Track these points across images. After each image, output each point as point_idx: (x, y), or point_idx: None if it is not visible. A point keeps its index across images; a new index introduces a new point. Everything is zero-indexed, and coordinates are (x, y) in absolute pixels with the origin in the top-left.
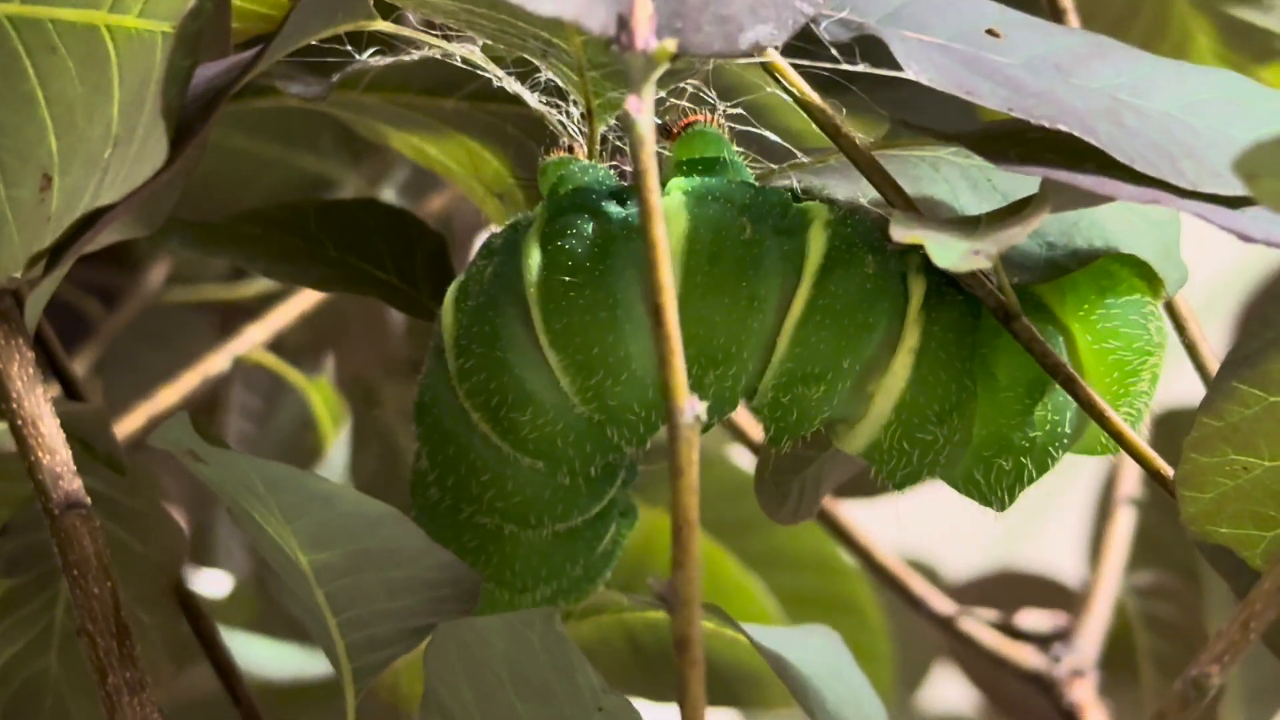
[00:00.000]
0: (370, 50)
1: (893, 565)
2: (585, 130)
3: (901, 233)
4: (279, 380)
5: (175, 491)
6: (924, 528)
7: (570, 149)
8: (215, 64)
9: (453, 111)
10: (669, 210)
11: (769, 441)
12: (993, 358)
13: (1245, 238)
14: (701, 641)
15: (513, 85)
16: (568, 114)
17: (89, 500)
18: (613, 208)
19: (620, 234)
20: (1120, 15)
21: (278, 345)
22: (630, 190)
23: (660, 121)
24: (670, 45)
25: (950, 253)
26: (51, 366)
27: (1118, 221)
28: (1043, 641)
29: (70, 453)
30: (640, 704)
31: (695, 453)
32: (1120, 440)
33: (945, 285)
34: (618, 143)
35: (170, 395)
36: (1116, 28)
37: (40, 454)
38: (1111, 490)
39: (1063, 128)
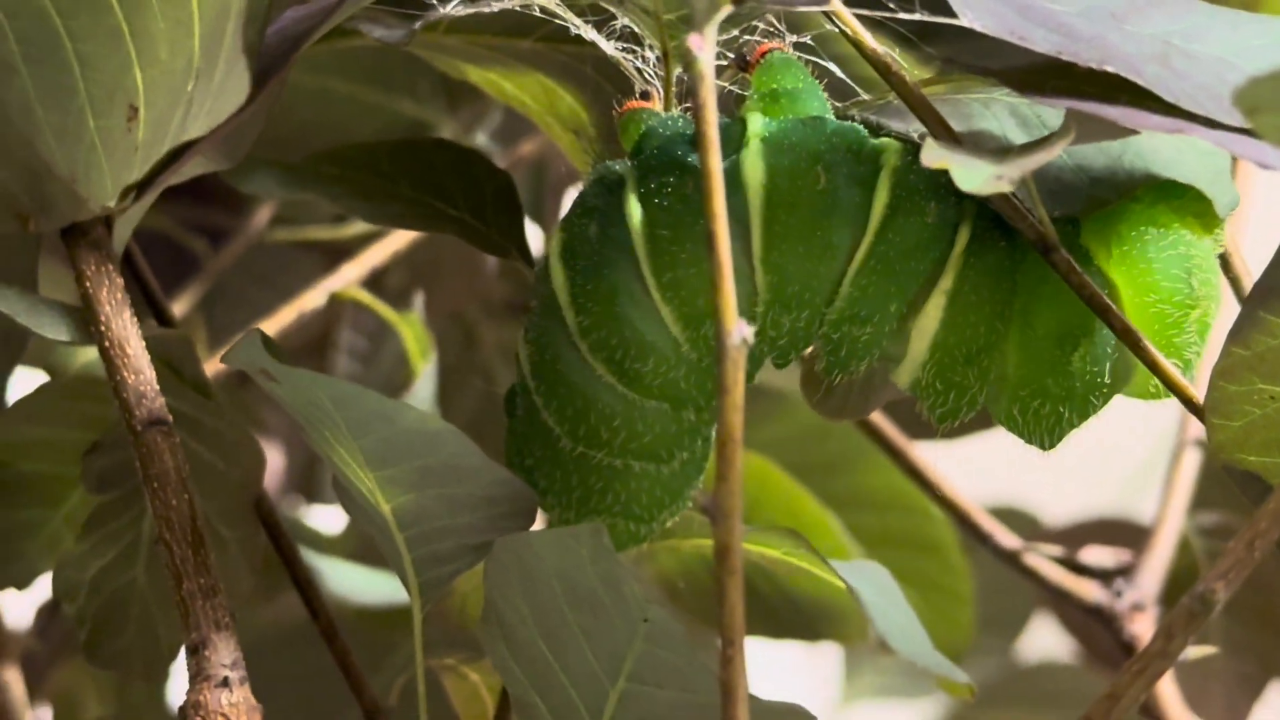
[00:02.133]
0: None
1: (961, 502)
2: (661, 74)
3: (932, 157)
4: (382, 321)
5: (281, 428)
6: (1027, 474)
7: (645, 95)
8: (303, 6)
9: (529, 51)
10: (747, 160)
11: (822, 371)
12: (1031, 305)
13: (1265, 165)
14: (740, 552)
15: (589, 32)
16: (643, 58)
17: (170, 418)
18: (693, 158)
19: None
20: None
21: (375, 284)
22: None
23: (737, 53)
24: None
25: (975, 176)
26: (145, 296)
27: (1165, 151)
28: (1107, 577)
29: (154, 373)
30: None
31: (741, 373)
32: (1156, 371)
33: (989, 230)
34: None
35: (267, 330)
36: None
37: (126, 374)
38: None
39: (1110, 69)
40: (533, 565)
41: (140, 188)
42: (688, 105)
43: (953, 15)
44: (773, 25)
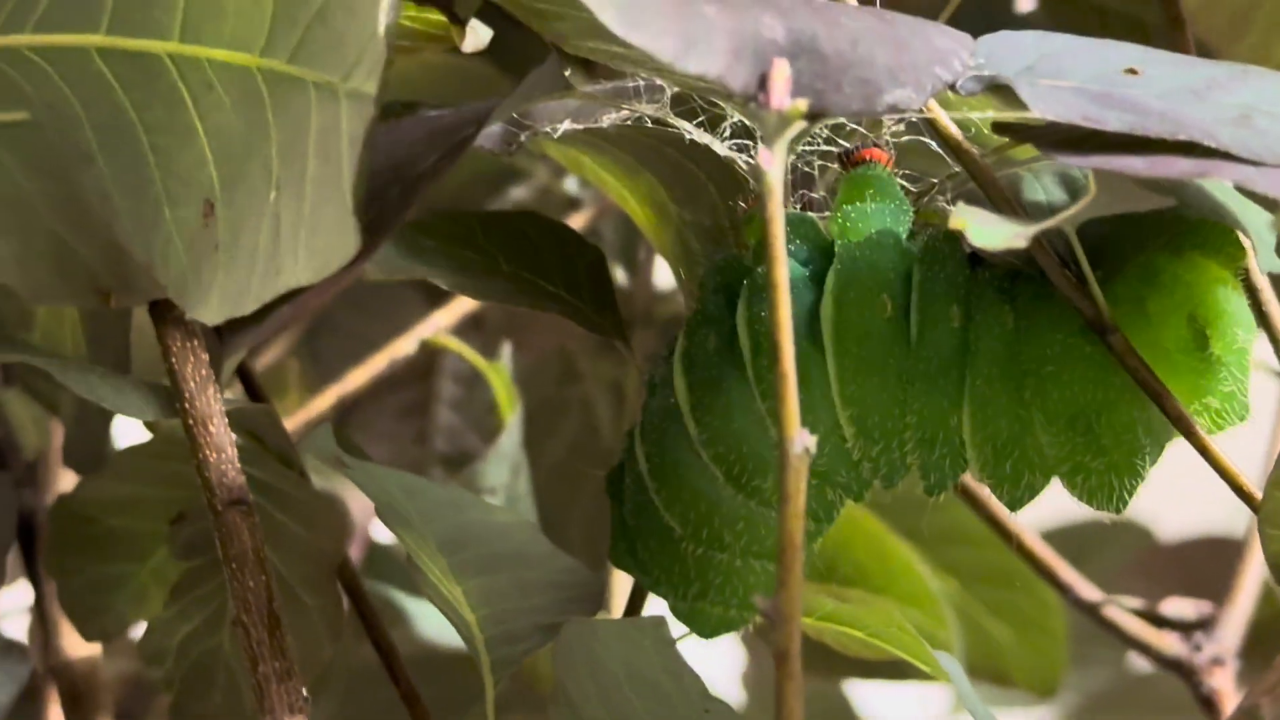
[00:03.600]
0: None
1: (1040, 551)
2: None
3: (954, 220)
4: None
5: (384, 457)
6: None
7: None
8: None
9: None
10: (827, 292)
11: (927, 492)
12: (1041, 389)
13: None
14: (799, 657)
15: (702, 136)
16: (753, 154)
17: (250, 498)
18: (799, 284)
19: (803, 318)
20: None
21: (475, 322)
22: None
23: (841, 153)
24: (802, 106)
25: (989, 236)
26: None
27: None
28: (1188, 629)
29: (235, 451)
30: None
31: (803, 482)
32: (1205, 456)
33: (994, 317)
34: (803, 168)
35: (359, 377)
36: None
37: (208, 452)
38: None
39: (1183, 137)
40: (600, 652)
41: (231, 327)
42: (803, 193)
43: (1024, 107)
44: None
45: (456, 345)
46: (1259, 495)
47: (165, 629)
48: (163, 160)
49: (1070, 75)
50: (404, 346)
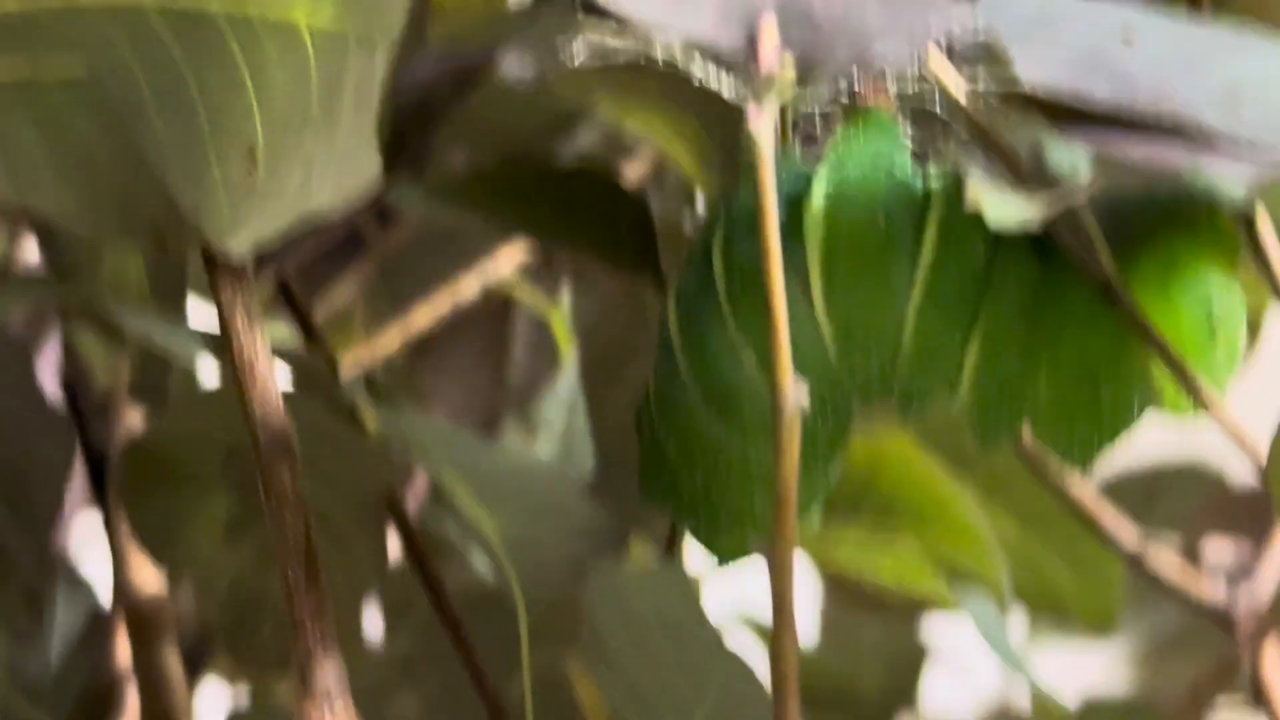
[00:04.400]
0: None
1: (1086, 498)
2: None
3: (971, 195)
4: None
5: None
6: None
7: None
8: (438, 61)
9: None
10: (812, 206)
11: (899, 412)
12: (1058, 341)
13: None
14: (794, 603)
15: (710, 79)
16: None
17: (294, 441)
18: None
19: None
20: None
21: (543, 264)
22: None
23: (847, 102)
24: (790, 65)
25: (1007, 212)
26: (290, 307)
27: None
28: (1232, 576)
29: (280, 395)
30: None
31: (796, 434)
32: (1216, 419)
33: (1020, 264)
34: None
35: (423, 317)
36: None
37: (254, 396)
38: None
39: (1165, 111)
40: (629, 598)
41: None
42: (806, 134)
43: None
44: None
45: (519, 289)
46: None
47: (216, 567)
48: (213, 115)
49: (1066, 35)
50: (468, 287)
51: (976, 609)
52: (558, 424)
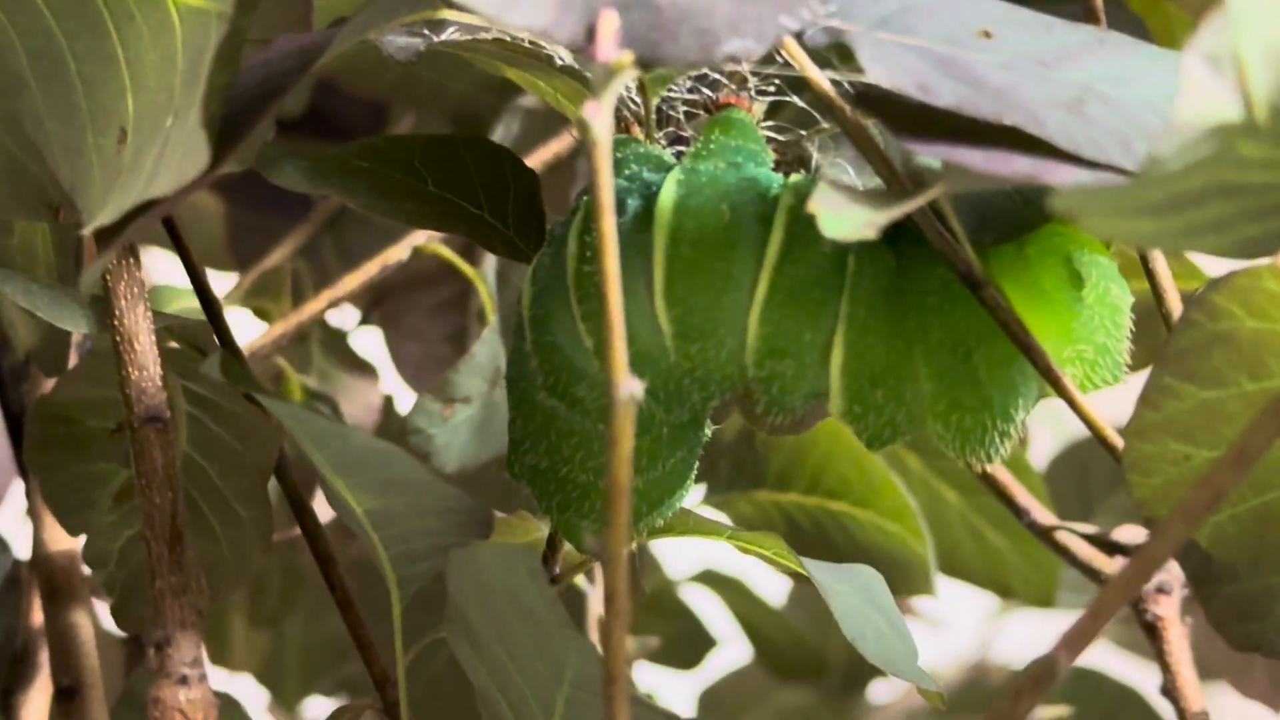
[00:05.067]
0: (450, 29)
1: (998, 473)
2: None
3: (813, 202)
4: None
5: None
6: None
7: (628, 126)
8: (286, 43)
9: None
10: (662, 198)
11: (763, 412)
12: (924, 320)
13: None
14: (628, 595)
15: (571, 59)
16: (627, 87)
17: (167, 415)
18: (630, 200)
19: (629, 225)
20: None
21: None
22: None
23: (705, 102)
24: (628, 59)
25: (842, 223)
26: (189, 272)
27: None
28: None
29: (159, 369)
30: None
31: (629, 426)
32: (1073, 406)
33: (878, 253)
34: (669, 112)
35: (351, 281)
36: None
37: (131, 369)
38: None
39: (1008, 122)
40: (484, 577)
41: (103, 236)
42: (668, 130)
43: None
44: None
45: (446, 253)
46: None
47: (108, 534)
48: (90, 89)
49: (922, 32)
50: (397, 253)
51: (854, 579)
52: (475, 391)
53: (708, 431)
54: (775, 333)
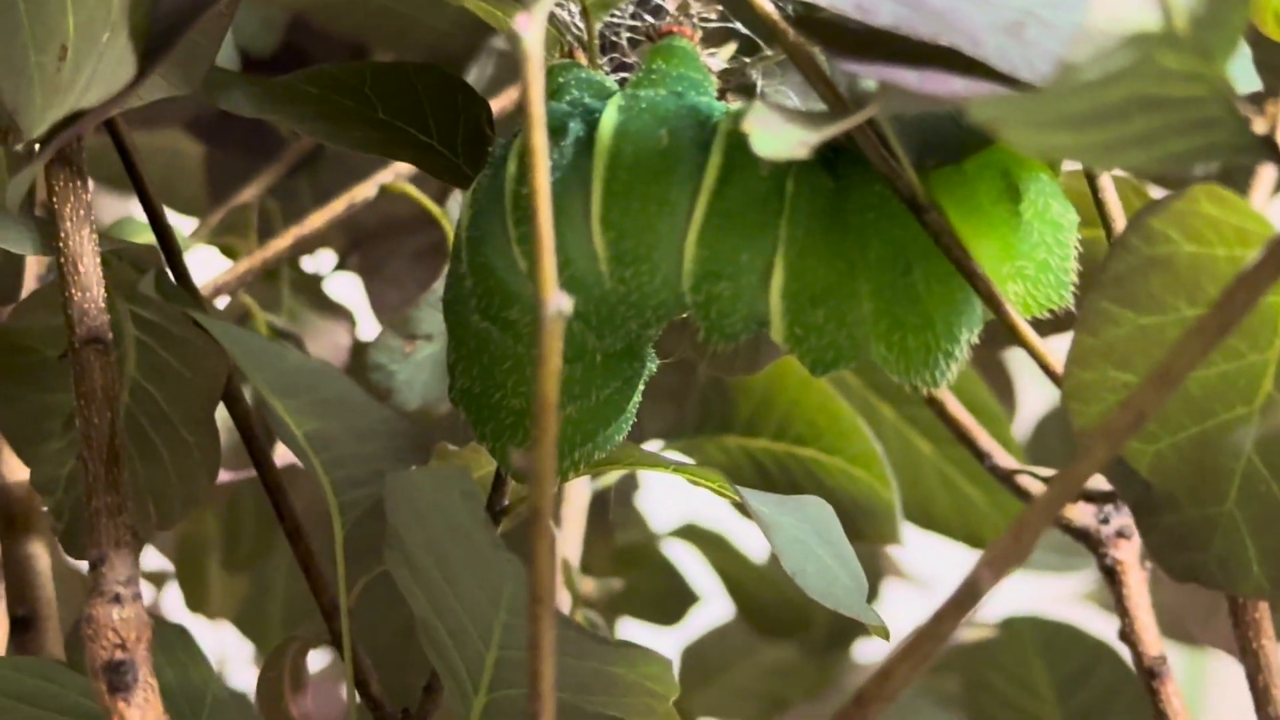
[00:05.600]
0: None
1: (961, 417)
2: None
3: (746, 121)
4: None
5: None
6: None
7: (571, 52)
8: None
9: None
10: (602, 123)
11: (703, 340)
12: (864, 238)
13: None
14: (551, 512)
15: None
16: (570, 11)
17: (109, 336)
18: (574, 124)
19: (570, 150)
20: None
21: None
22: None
23: (647, 30)
24: None
25: (775, 142)
26: (143, 201)
27: None
28: (1101, 500)
29: (102, 290)
30: None
31: (558, 343)
32: (1012, 331)
33: (816, 175)
34: (613, 38)
35: (317, 219)
36: None
37: (74, 290)
38: None
39: (945, 43)
40: (420, 501)
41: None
42: (612, 56)
43: None
44: None
45: (413, 191)
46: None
47: (55, 460)
48: (31, 6)
49: None
50: (364, 190)
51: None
52: (437, 328)
53: (652, 366)
54: (711, 256)
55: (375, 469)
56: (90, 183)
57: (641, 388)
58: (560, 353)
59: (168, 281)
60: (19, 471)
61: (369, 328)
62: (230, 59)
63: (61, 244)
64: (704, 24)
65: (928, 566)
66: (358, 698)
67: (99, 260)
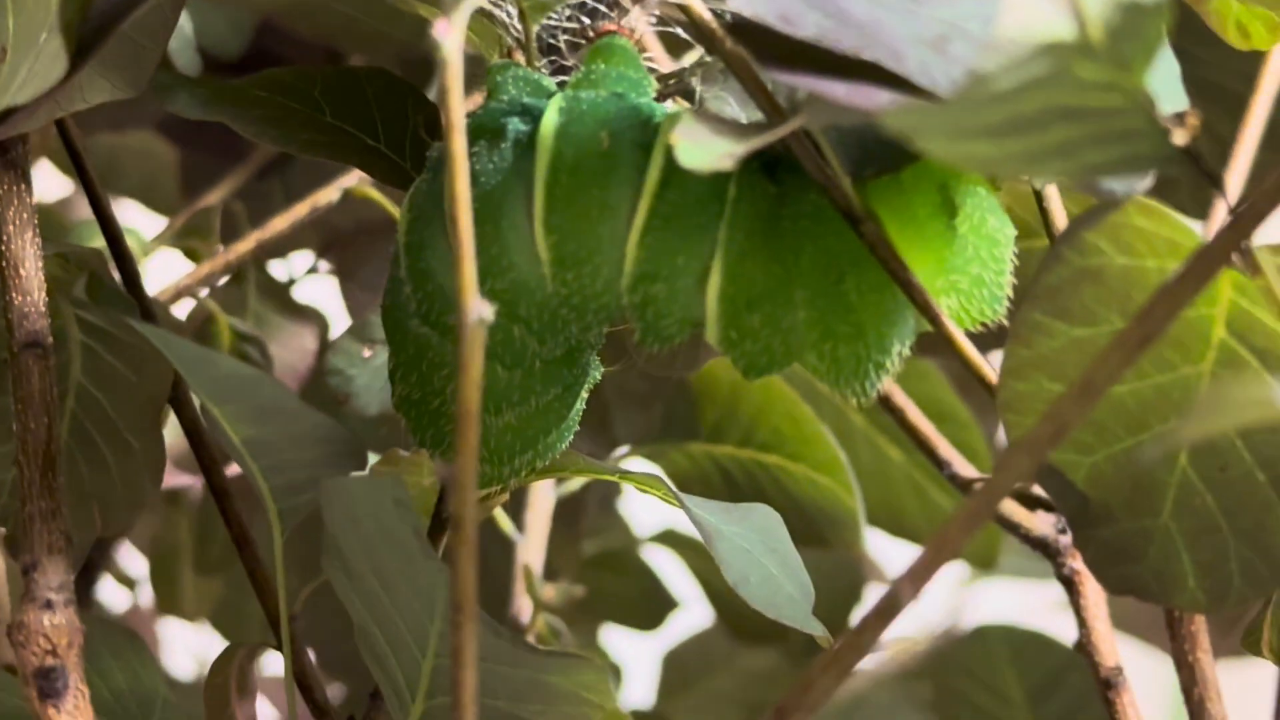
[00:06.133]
0: None
1: (921, 425)
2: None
3: (676, 132)
4: None
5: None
6: None
7: (510, 52)
8: None
9: None
10: (543, 125)
11: (639, 341)
12: (798, 244)
13: None
14: (475, 521)
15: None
16: (508, 13)
17: (49, 341)
18: (513, 125)
19: (510, 153)
20: None
21: None
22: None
23: (584, 31)
24: None
25: (699, 155)
26: (91, 201)
27: None
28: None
29: (44, 295)
30: None
31: (479, 350)
32: (949, 341)
33: (757, 179)
34: (550, 40)
35: (280, 223)
36: None
37: (15, 294)
38: None
39: (867, 57)
40: (354, 508)
41: None
42: (551, 59)
43: None
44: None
45: (376, 195)
46: None
47: (3, 459)
48: None
49: None
50: (327, 195)
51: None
52: None
53: (596, 375)
54: (649, 257)
55: (314, 475)
56: (34, 186)
57: (585, 395)
58: (480, 361)
59: (104, 286)
60: None
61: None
62: (193, 62)
63: (3, 247)
64: (649, 26)
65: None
66: (300, 703)
67: (40, 263)
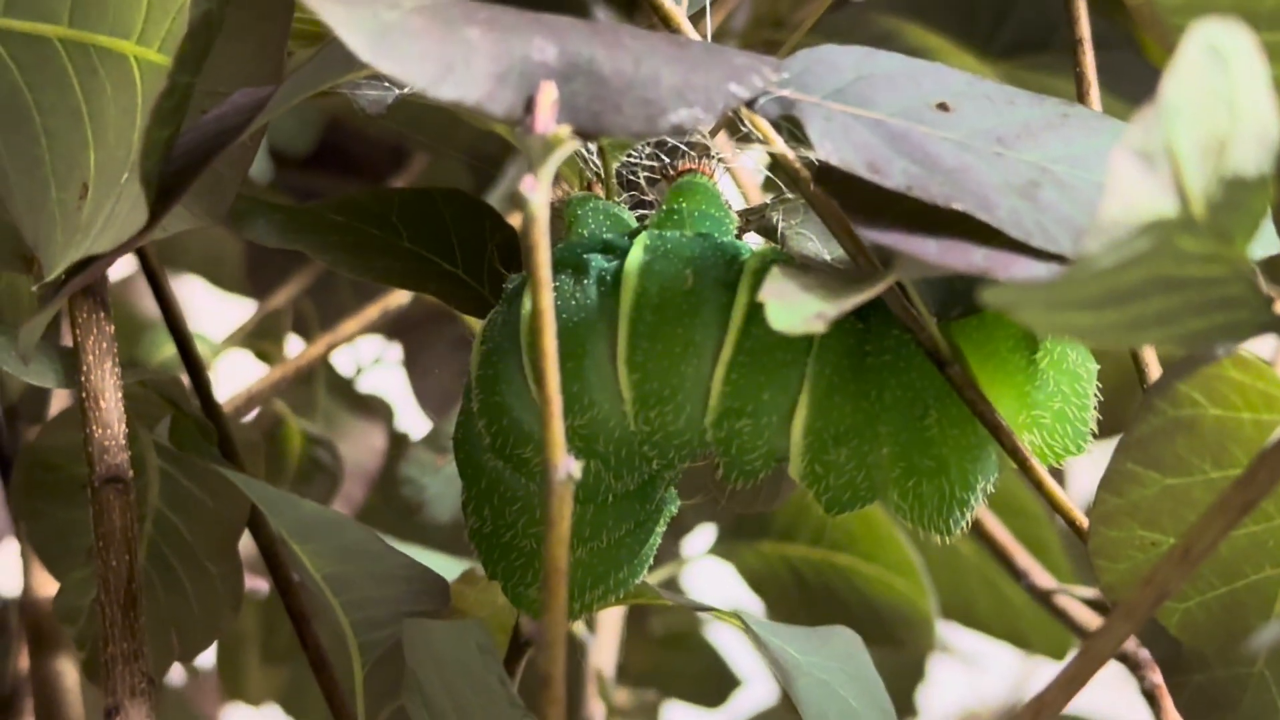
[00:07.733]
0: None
1: (998, 534)
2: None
3: (766, 291)
4: None
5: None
6: None
7: (590, 185)
8: (241, 98)
9: None
10: (628, 264)
11: (722, 478)
12: (883, 380)
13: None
14: (563, 680)
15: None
16: (588, 149)
17: (129, 475)
18: (595, 261)
19: (594, 289)
20: None
21: None
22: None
23: (664, 169)
24: (566, 132)
25: (790, 316)
26: (170, 326)
27: None
28: None
29: (124, 428)
30: None
31: (567, 508)
32: (1033, 481)
33: (846, 316)
34: (630, 176)
35: (351, 326)
36: None
37: (95, 427)
38: None
39: (957, 206)
40: (438, 650)
41: (46, 295)
42: (631, 194)
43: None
44: (704, 137)
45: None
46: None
47: (78, 589)
48: (53, 142)
49: (878, 104)
50: (398, 298)
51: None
52: None
53: (673, 509)
54: (735, 393)
55: (395, 611)
56: (112, 315)
57: (660, 530)
58: (568, 517)
59: (187, 431)
60: (48, 586)
61: (407, 420)
62: (265, 163)
63: (83, 378)
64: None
65: (973, 642)
66: None
67: (120, 394)
